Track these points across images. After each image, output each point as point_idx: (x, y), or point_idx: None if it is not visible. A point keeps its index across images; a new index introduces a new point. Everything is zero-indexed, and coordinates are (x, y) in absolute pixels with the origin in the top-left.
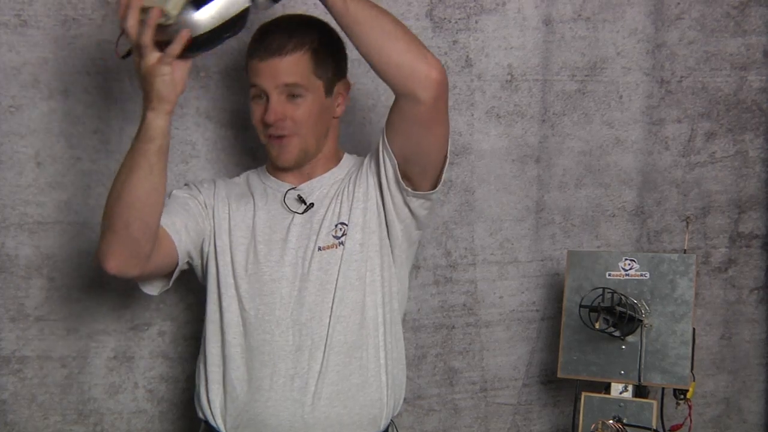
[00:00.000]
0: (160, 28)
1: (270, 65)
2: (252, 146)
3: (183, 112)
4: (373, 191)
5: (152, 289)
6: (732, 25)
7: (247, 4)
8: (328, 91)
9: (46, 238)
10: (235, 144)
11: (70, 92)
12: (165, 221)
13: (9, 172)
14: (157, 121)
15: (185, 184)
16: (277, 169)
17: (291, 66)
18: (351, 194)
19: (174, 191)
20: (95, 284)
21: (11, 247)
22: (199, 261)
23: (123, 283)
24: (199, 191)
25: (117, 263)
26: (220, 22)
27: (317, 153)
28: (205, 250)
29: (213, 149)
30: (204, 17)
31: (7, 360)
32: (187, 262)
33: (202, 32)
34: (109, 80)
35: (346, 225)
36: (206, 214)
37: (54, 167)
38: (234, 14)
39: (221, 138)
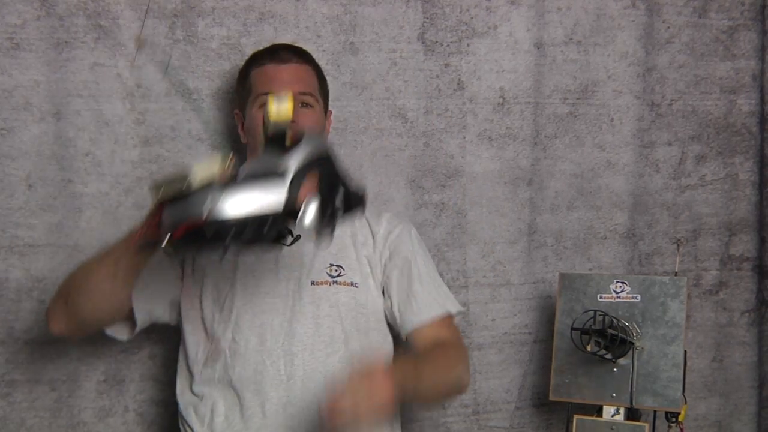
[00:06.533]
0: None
1: (288, 70)
2: None
3: (174, 135)
4: (381, 272)
5: (120, 333)
6: (721, 49)
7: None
8: (324, 111)
9: (36, 260)
10: None
11: (61, 115)
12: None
13: (0, 195)
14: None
15: None
16: None
17: (306, 75)
18: (355, 252)
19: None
20: None
21: (1, 270)
22: (176, 313)
23: None
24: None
25: (59, 328)
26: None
27: None
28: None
29: None
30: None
31: None
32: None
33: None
34: (101, 103)
35: (343, 268)
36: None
37: (45, 189)
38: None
39: None
